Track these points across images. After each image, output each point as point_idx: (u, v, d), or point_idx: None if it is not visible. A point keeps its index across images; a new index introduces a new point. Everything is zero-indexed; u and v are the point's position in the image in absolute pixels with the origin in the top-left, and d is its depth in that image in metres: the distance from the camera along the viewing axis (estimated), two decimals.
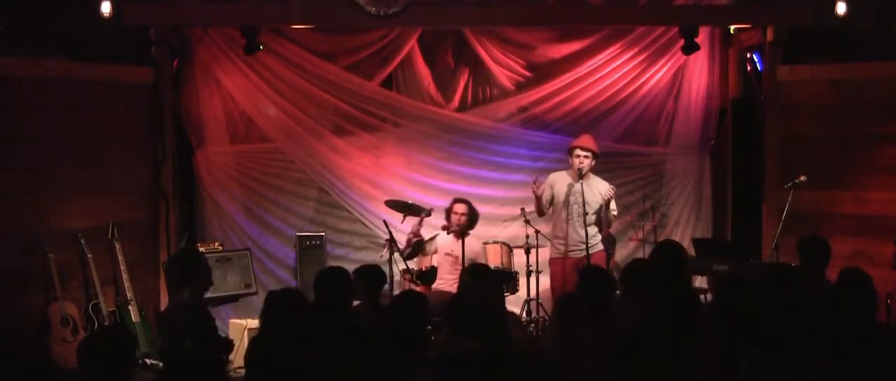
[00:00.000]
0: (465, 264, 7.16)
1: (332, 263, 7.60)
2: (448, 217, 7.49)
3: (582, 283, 5.05)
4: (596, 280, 5.02)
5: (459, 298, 4.91)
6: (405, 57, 8.17)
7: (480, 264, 6.06)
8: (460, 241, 7.33)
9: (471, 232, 7.52)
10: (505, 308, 5.90)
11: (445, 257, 7.49)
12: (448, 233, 7.51)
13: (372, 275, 5.68)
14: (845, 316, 4.32)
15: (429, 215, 7.49)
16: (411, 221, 7.62)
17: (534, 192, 7.25)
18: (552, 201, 7.34)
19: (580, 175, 7.17)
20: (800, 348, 4.01)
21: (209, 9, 7.72)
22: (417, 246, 7.49)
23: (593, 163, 7.27)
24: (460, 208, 7.45)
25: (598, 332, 4.42)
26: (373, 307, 5.44)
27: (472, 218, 7.48)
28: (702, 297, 7.84)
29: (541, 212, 7.40)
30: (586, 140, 7.31)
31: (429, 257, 7.64)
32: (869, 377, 3.95)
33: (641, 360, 3.60)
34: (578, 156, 7.22)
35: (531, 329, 7.35)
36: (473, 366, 3.23)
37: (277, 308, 4.64)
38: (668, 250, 5.61)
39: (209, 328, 5.13)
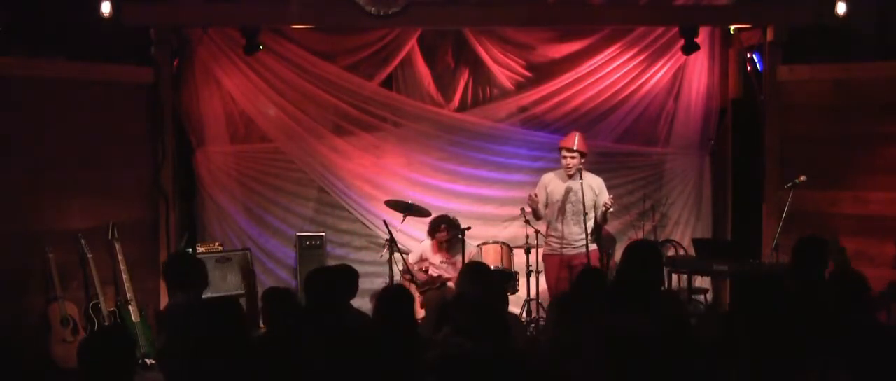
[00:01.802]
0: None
1: (332, 263, 7.61)
2: (436, 239, 7.59)
3: (576, 285, 5.04)
4: (592, 282, 5.01)
5: (460, 297, 4.90)
6: (405, 57, 8.17)
7: (479, 264, 6.07)
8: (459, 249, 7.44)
9: (469, 233, 7.54)
10: (506, 308, 5.91)
11: (442, 265, 7.63)
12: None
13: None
14: (844, 316, 4.32)
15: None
16: (412, 221, 7.63)
17: (530, 205, 7.27)
18: (547, 201, 7.34)
19: (568, 175, 7.16)
20: (799, 348, 4.01)
21: (209, 9, 7.72)
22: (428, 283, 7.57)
23: (581, 161, 7.18)
24: (442, 235, 7.54)
25: (596, 332, 4.41)
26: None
27: (455, 231, 7.54)
28: (702, 297, 7.87)
29: (538, 217, 7.40)
30: (569, 140, 7.26)
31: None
32: (870, 377, 3.94)
33: (634, 360, 3.60)
34: (565, 157, 7.21)
35: (531, 329, 7.36)
36: (474, 366, 3.23)
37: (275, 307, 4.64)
38: (640, 250, 5.60)
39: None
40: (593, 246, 7.28)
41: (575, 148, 7.15)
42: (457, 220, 7.61)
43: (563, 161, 7.21)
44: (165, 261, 6.80)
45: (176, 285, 5.33)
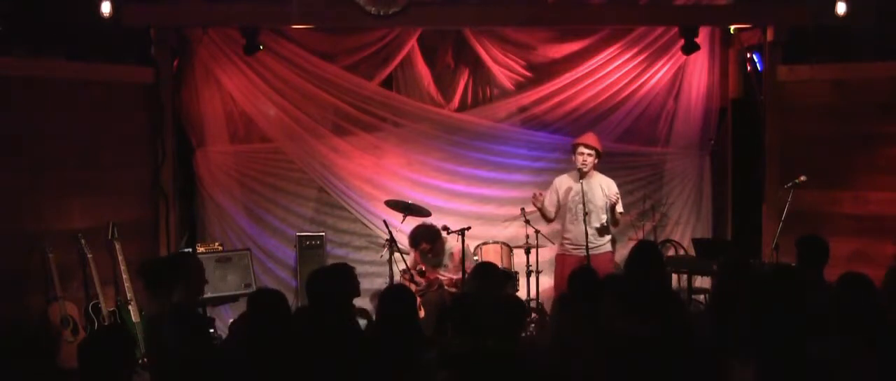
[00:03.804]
0: (463, 264, 7.25)
1: (333, 263, 7.59)
2: (418, 251, 7.63)
3: (571, 286, 5.04)
4: (585, 283, 5.01)
5: (474, 297, 4.91)
6: (405, 57, 8.17)
7: (489, 264, 6.08)
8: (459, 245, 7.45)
9: (469, 233, 7.54)
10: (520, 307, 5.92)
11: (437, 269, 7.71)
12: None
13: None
14: (848, 318, 4.31)
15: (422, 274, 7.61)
16: (412, 221, 7.64)
17: (534, 205, 7.30)
18: (558, 202, 7.37)
19: (581, 174, 7.19)
20: (799, 347, 4.01)
21: (209, 9, 7.72)
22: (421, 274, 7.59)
23: (596, 161, 7.28)
24: (424, 246, 7.58)
25: (595, 332, 4.42)
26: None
27: (431, 238, 7.56)
28: (702, 297, 7.86)
29: (547, 218, 7.44)
30: (589, 138, 7.33)
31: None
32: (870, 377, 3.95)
33: (635, 361, 3.61)
34: (582, 153, 7.24)
35: (531, 329, 7.36)
36: (495, 364, 3.22)
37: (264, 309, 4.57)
38: (644, 251, 5.61)
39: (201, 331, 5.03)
40: (607, 248, 7.29)
41: (593, 145, 7.18)
42: (436, 230, 7.60)
43: (579, 158, 7.23)
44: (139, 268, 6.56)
45: (150, 292, 5.22)
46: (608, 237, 7.37)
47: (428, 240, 7.57)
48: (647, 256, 5.49)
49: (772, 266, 6.77)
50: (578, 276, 5.11)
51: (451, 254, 7.65)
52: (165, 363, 4.69)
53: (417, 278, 7.48)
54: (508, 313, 4.48)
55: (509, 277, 7.48)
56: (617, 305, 4.56)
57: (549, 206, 7.40)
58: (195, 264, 5.35)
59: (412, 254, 7.67)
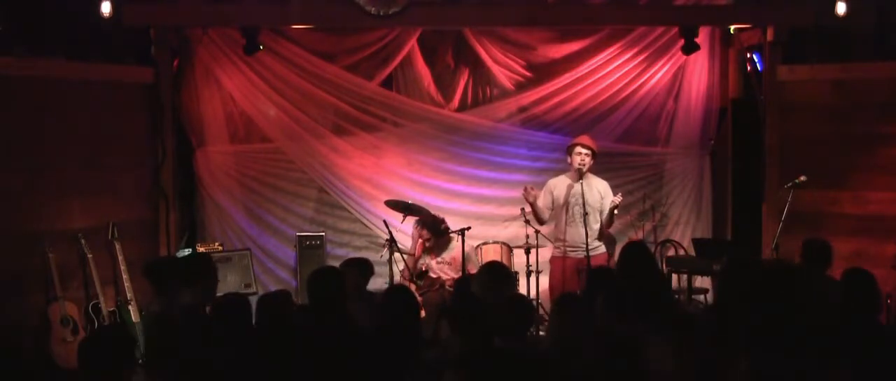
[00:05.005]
0: (463, 266, 7.24)
1: (332, 263, 7.60)
2: (420, 239, 7.62)
3: (590, 286, 5.04)
4: (601, 282, 5.01)
5: (479, 297, 4.91)
6: (405, 57, 8.17)
7: (497, 263, 6.08)
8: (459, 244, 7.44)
9: (469, 233, 7.53)
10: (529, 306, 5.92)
11: (439, 266, 7.64)
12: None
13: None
14: (849, 317, 4.32)
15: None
16: (411, 221, 7.64)
17: (526, 199, 7.19)
18: (552, 205, 7.31)
19: (580, 175, 7.13)
20: (800, 346, 4.00)
21: (209, 9, 7.72)
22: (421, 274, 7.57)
23: (593, 162, 7.22)
24: (425, 233, 7.55)
25: (595, 332, 4.42)
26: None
27: (435, 231, 7.53)
28: (702, 297, 7.86)
29: (540, 220, 7.34)
30: (586, 138, 7.29)
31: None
32: (870, 378, 3.94)
33: (631, 360, 3.61)
34: (579, 153, 7.15)
35: (532, 329, 7.36)
36: (505, 364, 3.21)
37: (270, 311, 4.61)
38: (634, 251, 5.61)
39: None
40: (602, 249, 7.27)
41: (590, 145, 7.14)
42: (436, 222, 7.57)
43: (577, 158, 7.11)
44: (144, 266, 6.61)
45: (156, 289, 5.26)
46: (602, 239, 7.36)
47: (431, 231, 7.52)
48: (639, 256, 5.48)
49: (772, 263, 6.77)
50: (599, 274, 5.12)
51: (453, 257, 7.62)
52: (165, 362, 4.70)
53: (420, 275, 7.48)
54: (517, 312, 4.47)
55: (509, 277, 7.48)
56: (616, 305, 4.56)
57: (544, 207, 7.32)
58: (211, 267, 5.40)
59: (417, 245, 7.62)
